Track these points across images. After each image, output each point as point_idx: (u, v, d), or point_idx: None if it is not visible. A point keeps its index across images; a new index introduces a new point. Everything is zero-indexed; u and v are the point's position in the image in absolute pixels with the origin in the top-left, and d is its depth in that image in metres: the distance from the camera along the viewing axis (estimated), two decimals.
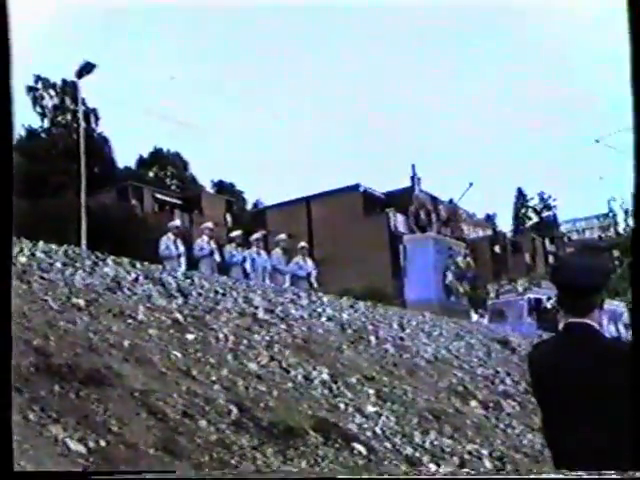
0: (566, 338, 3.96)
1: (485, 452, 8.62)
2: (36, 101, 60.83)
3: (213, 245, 18.12)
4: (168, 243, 17.47)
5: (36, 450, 5.32)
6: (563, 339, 4.00)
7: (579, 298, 3.87)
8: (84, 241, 26.95)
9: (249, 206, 74.52)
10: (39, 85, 60.70)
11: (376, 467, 7.25)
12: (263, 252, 18.96)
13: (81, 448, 5.64)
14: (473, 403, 10.35)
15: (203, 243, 18.13)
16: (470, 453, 8.44)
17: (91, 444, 5.75)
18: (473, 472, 7.81)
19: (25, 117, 62.60)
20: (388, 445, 7.89)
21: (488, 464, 8.34)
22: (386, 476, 7.12)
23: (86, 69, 30.97)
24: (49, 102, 61.20)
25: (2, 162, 3.61)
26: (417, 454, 7.95)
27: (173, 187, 68.46)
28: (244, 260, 18.07)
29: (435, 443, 8.37)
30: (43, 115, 61.04)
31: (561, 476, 3.85)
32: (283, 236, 20.12)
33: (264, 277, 17.94)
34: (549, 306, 28.06)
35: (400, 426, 8.51)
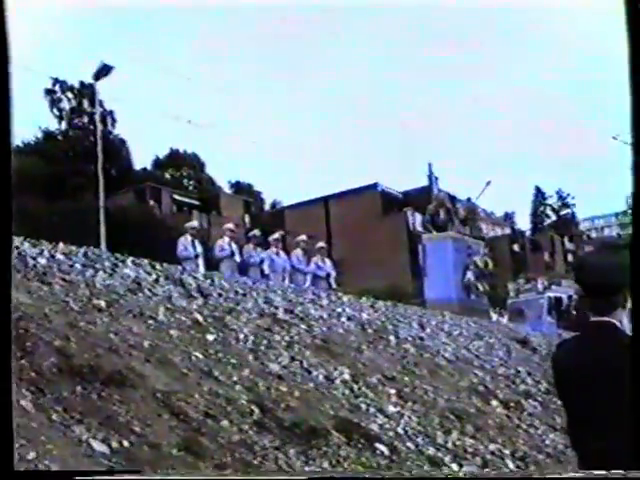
0: (590, 337, 3.92)
1: (507, 452, 8.58)
2: (54, 103, 61.04)
3: (234, 246, 18.12)
4: (186, 244, 17.50)
5: (60, 450, 5.33)
6: (586, 338, 3.96)
7: (603, 297, 3.83)
8: (103, 242, 27.03)
9: (267, 207, 74.61)
10: (57, 88, 60.90)
11: (399, 467, 7.23)
12: (282, 252, 18.96)
13: (104, 448, 5.65)
14: (494, 403, 10.31)
15: (224, 244, 18.14)
16: (492, 453, 8.41)
17: (114, 444, 5.76)
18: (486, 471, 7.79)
19: (43, 119, 62.98)
20: (410, 445, 7.87)
21: (511, 464, 8.30)
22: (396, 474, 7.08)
23: (103, 71, 31.07)
24: (67, 104, 61.40)
25: (1, 161, 3.60)
26: (439, 454, 7.92)
27: (190, 188, 68.56)
28: (262, 261, 18.08)
29: (457, 443, 8.34)
30: (60, 117, 61.24)
31: (565, 475, 3.83)
32: (303, 237, 20.10)
33: (283, 277, 17.94)
34: (569, 304, 27.97)
35: (422, 426, 8.49)
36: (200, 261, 17.39)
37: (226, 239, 18.27)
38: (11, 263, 3.71)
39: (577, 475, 3.89)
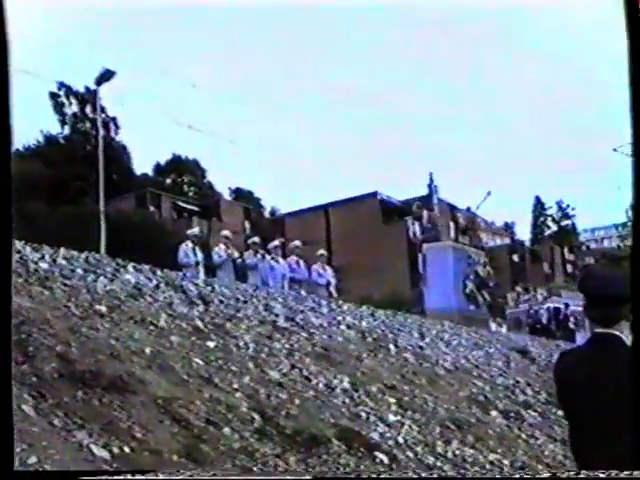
0: (593, 349, 3.93)
1: (507, 462, 8.58)
2: (57, 108, 61.08)
3: (230, 253, 18.12)
4: (187, 251, 17.51)
5: (61, 455, 5.34)
6: (590, 350, 3.98)
7: (607, 308, 3.84)
8: (103, 248, 27.01)
9: (267, 214, 74.60)
10: (61, 92, 60.95)
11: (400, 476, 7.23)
12: (281, 260, 18.94)
13: (105, 454, 5.66)
14: (494, 413, 10.31)
15: (220, 251, 18.15)
16: (492, 463, 8.41)
17: (115, 450, 5.77)
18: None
19: (45, 123, 63.06)
20: (410, 454, 7.88)
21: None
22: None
23: (105, 76, 31.05)
24: (69, 109, 61.45)
25: (1, 167, 3.62)
26: (439, 463, 7.92)
27: (191, 194, 68.56)
28: (262, 267, 18.07)
29: (457, 453, 8.35)
30: (64, 122, 61.29)
31: (565, 475, 3.84)
32: (297, 242, 20.07)
33: (283, 285, 17.93)
34: (568, 315, 28.00)
35: (422, 435, 8.49)
36: (200, 268, 17.40)
37: (222, 246, 18.27)
38: (11, 268, 3.72)
39: (580, 476, 3.90)
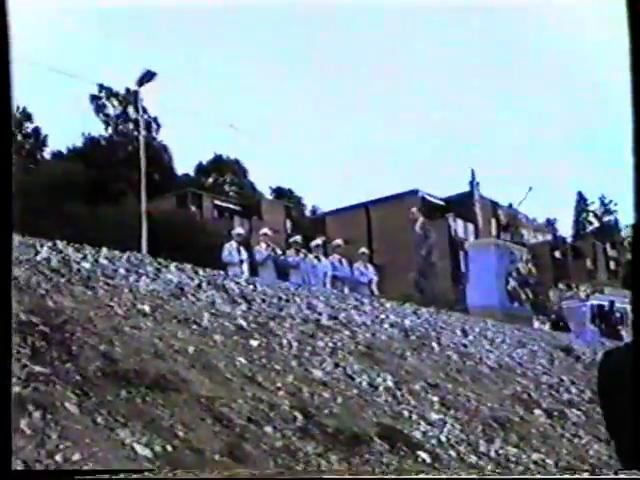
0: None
1: (551, 462, 8.49)
2: (99, 109, 61.66)
3: (270, 251, 18.20)
4: (231, 249, 17.68)
5: (104, 453, 5.37)
6: (635, 347, 3.91)
7: None
8: (145, 247, 27.20)
9: (307, 212, 74.75)
10: (102, 94, 61.53)
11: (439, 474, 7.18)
12: (323, 258, 18.97)
13: (148, 452, 5.67)
14: (537, 411, 10.21)
15: (261, 249, 18.25)
16: (535, 463, 8.32)
17: (157, 449, 5.78)
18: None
19: (88, 126, 63.70)
20: (453, 453, 7.81)
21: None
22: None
23: (147, 77, 31.35)
24: (112, 110, 62.03)
25: (1, 159, 3.62)
26: (482, 462, 7.86)
27: (232, 194, 68.88)
28: (304, 266, 18.11)
29: (500, 452, 8.27)
30: (107, 123, 61.88)
31: (566, 476, 3.79)
32: (339, 241, 20.13)
33: (325, 283, 17.95)
34: (612, 312, 27.71)
35: (465, 434, 8.42)
36: (245, 267, 17.52)
37: (263, 245, 18.38)
38: (11, 263, 3.73)
39: (583, 476, 3.84)
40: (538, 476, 7.63)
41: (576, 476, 3.79)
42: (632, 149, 3.58)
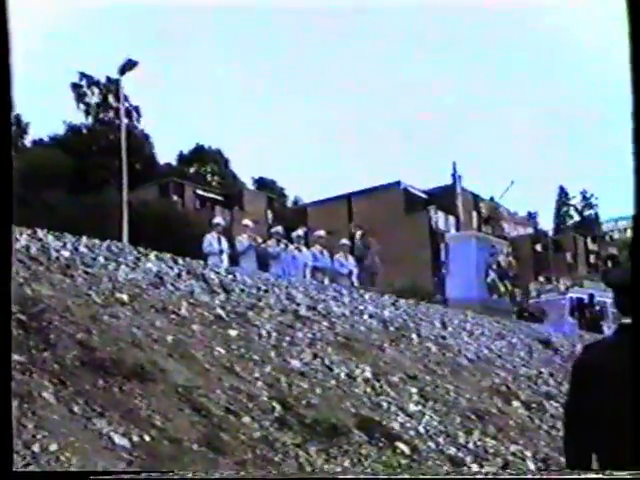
0: (619, 339, 3.89)
1: (529, 453, 8.52)
2: (80, 98, 61.32)
3: (251, 242, 18.16)
4: (212, 240, 17.60)
5: (82, 443, 5.34)
6: (616, 340, 3.93)
7: (630, 298, 3.80)
8: (125, 236, 27.07)
9: (289, 203, 74.63)
10: (83, 82, 61.20)
11: (419, 467, 7.19)
12: (304, 249, 18.92)
13: (125, 442, 5.65)
14: (516, 403, 10.24)
15: (242, 240, 18.21)
16: (514, 454, 8.35)
17: (135, 439, 5.76)
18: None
19: (68, 114, 63.33)
20: (431, 445, 7.83)
21: (532, 465, 8.23)
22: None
23: (128, 66, 31.16)
24: (92, 99, 61.69)
25: (1, 155, 3.60)
26: (460, 454, 7.87)
27: (214, 184, 68.67)
28: (284, 256, 18.07)
29: (478, 443, 8.29)
30: (87, 112, 61.53)
31: (574, 476, 3.79)
32: (322, 232, 20.06)
33: (305, 274, 17.92)
34: (591, 305, 27.79)
35: (443, 426, 8.44)
36: (224, 257, 17.46)
37: (244, 235, 18.34)
38: (12, 260, 3.70)
39: (582, 475, 3.84)
40: (538, 476, 7.64)
41: (583, 475, 3.77)
42: (632, 150, 3.59)
